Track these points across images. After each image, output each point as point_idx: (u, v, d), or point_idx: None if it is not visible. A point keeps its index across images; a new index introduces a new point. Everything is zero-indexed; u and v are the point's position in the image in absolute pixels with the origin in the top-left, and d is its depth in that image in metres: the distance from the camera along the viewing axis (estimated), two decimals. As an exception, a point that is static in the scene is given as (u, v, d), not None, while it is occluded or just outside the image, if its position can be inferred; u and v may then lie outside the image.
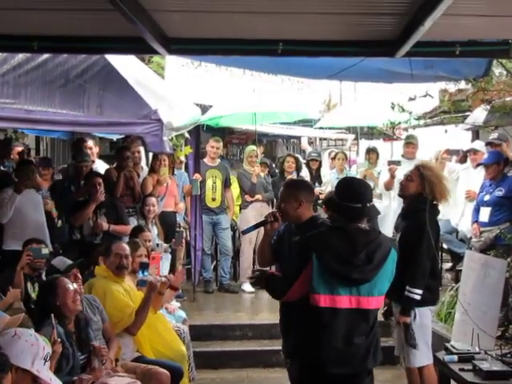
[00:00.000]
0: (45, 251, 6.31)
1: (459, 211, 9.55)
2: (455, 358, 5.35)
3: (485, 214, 8.28)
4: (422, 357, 6.04)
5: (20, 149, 10.28)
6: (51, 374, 4.00)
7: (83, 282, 6.04)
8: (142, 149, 10.27)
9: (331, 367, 4.42)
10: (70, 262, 5.77)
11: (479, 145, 9.75)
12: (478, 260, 7.05)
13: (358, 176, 11.30)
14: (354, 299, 4.39)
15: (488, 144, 9.13)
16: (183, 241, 9.41)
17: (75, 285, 5.30)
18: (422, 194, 6.09)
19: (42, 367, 3.87)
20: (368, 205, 4.53)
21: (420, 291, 5.88)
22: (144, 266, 6.25)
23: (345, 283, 4.37)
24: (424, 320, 6.05)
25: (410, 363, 6.08)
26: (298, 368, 4.66)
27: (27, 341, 3.87)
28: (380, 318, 5.03)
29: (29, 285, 6.15)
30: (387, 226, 8.49)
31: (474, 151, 9.60)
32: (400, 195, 6.45)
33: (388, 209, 8.02)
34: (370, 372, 4.63)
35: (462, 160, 10.61)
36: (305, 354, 4.55)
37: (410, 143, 10.30)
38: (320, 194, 10.72)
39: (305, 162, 12.15)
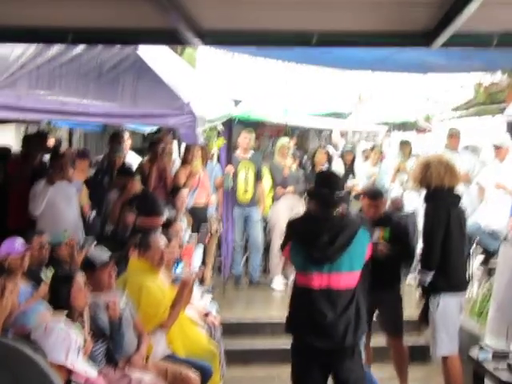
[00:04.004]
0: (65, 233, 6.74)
1: (489, 209, 9.41)
2: (489, 356, 5.28)
3: (522, 208, 8.19)
4: (443, 347, 6.27)
5: (51, 141, 10.35)
6: (86, 366, 3.99)
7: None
8: (174, 142, 10.28)
9: (312, 341, 5.06)
10: (106, 255, 5.75)
11: (503, 139, 9.63)
12: (513, 255, 6.95)
13: (391, 169, 11.21)
14: (324, 277, 5.00)
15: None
16: (208, 235, 9.39)
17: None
18: (422, 186, 6.49)
19: (76, 360, 3.86)
20: (337, 192, 5.14)
21: (428, 271, 6.24)
22: (178, 263, 6.22)
23: (314, 262, 5.01)
24: (447, 309, 6.23)
25: (433, 352, 6.39)
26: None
27: (59, 335, 3.85)
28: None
29: (43, 275, 6.19)
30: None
31: (498, 147, 9.48)
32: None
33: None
34: (355, 349, 5.12)
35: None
36: (292, 329, 5.32)
37: (453, 135, 10.20)
38: (354, 186, 10.69)
39: (339, 154, 12.08)
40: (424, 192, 6.70)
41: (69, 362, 3.81)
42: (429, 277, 6.20)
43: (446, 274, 6.24)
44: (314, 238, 5.02)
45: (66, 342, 3.84)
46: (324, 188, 5.17)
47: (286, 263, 5.52)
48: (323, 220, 5.10)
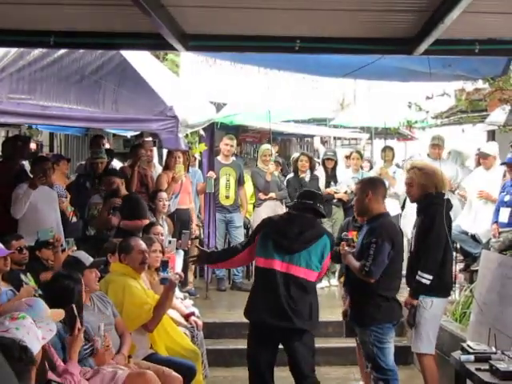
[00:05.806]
0: (51, 233, 6.73)
1: (472, 215, 9.43)
2: (472, 357, 5.29)
3: (505, 214, 8.23)
4: (427, 345, 6.31)
5: (33, 146, 10.29)
6: (44, 327, 3.98)
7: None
8: (154, 148, 10.26)
9: (266, 318, 5.62)
10: (91, 258, 5.74)
11: (489, 148, 9.64)
12: (494, 260, 7.00)
13: (373, 174, 11.19)
14: (284, 265, 5.66)
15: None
16: (189, 241, 9.39)
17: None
18: (427, 191, 6.37)
19: (41, 331, 3.87)
20: (319, 204, 5.95)
21: (429, 276, 6.14)
22: (165, 265, 6.21)
23: (278, 250, 5.69)
24: (437, 311, 6.31)
25: (416, 348, 6.40)
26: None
27: (23, 332, 3.84)
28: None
29: (23, 277, 6.15)
30: (408, 224, 8.34)
31: (484, 156, 9.49)
32: (412, 201, 6.74)
33: (410, 208, 8.09)
34: (305, 332, 5.71)
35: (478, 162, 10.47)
36: (249, 307, 5.85)
37: (436, 144, 10.22)
38: (335, 193, 10.68)
39: (320, 160, 12.07)
40: (406, 199, 6.70)
41: (43, 341, 3.81)
42: (426, 280, 6.16)
43: (440, 278, 6.24)
44: (285, 228, 5.77)
45: (31, 331, 3.82)
46: (305, 200, 5.93)
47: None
48: (297, 217, 5.86)
